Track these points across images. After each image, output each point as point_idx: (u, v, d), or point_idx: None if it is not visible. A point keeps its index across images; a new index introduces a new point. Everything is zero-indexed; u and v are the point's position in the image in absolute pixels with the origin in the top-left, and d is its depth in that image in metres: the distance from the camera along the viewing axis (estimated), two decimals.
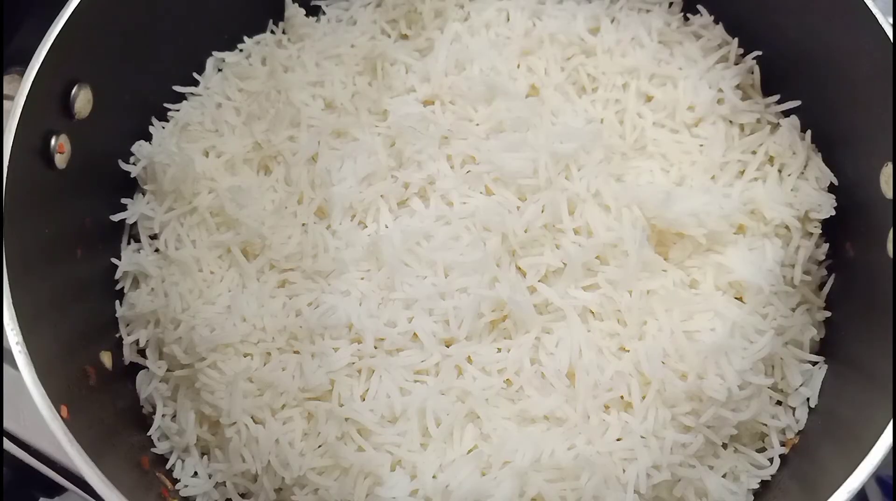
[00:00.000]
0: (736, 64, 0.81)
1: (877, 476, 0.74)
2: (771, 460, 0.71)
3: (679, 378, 0.68)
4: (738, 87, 0.80)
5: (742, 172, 0.77)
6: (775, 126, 0.79)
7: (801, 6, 0.73)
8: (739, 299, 0.73)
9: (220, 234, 0.77)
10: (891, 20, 0.66)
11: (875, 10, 0.67)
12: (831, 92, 0.74)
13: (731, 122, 0.79)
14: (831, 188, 0.75)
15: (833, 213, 0.74)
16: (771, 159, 0.78)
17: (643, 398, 0.69)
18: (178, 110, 0.83)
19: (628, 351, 0.70)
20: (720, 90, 0.79)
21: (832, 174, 0.75)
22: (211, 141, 0.81)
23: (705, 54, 0.81)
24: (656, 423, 0.68)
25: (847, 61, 0.71)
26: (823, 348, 0.75)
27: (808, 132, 0.77)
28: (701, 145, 0.77)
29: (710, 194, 0.74)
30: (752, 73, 0.81)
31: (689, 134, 0.78)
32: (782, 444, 0.72)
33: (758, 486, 0.71)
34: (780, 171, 0.77)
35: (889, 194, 0.67)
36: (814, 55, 0.74)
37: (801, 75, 0.77)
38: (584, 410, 0.69)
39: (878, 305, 0.67)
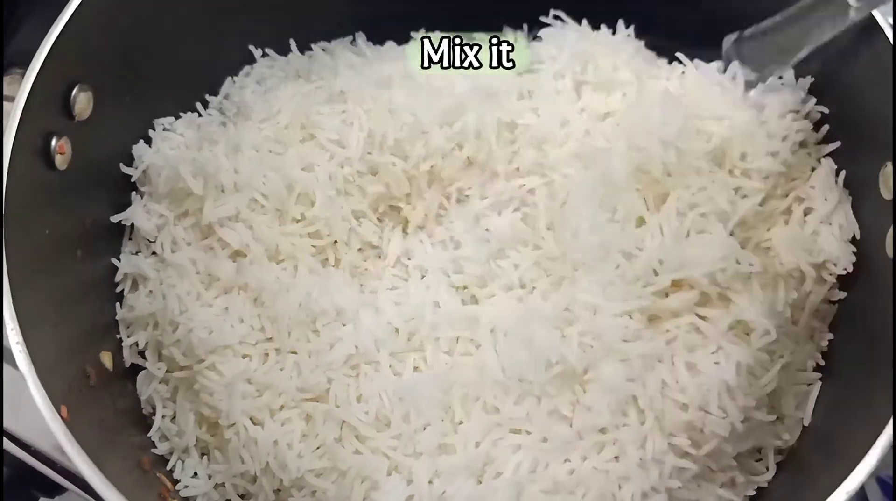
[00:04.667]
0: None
1: (877, 477, 0.74)
2: (767, 467, 0.71)
3: (679, 409, 0.67)
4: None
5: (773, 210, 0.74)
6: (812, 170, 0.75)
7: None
8: (746, 334, 0.70)
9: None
10: (891, 20, 0.66)
11: (875, 10, 0.66)
12: (831, 92, 0.74)
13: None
14: None
15: (851, 269, 0.71)
16: (800, 200, 0.74)
17: (642, 424, 0.67)
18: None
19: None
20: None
21: (857, 226, 0.71)
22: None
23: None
24: (654, 450, 0.66)
25: (847, 61, 0.71)
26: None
27: (843, 174, 0.73)
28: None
29: (728, 247, 0.69)
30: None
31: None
32: (779, 452, 0.72)
33: (754, 493, 0.71)
34: (805, 214, 0.73)
35: (887, 195, 0.67)
36: (813, 55, 0.74)
37: (800, 75, 0.77)
38: (580, 432, 0.68)
39: (878, 305, 0.67)
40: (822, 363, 0.73)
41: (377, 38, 0.88)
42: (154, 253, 0.79)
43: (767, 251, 0.72)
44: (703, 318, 0.70)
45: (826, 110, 0.75)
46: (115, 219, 0.78)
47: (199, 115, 0.85)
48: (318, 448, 0.69)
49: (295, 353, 0.73)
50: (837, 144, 0.75)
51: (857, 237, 0.72)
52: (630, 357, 0.68)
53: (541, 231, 0.73)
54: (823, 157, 0.75)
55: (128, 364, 0.76)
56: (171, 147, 0.80)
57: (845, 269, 0.71)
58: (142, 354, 0.76)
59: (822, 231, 0.72)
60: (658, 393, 0.67)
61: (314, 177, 0.77)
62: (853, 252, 0.71)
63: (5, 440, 0.79)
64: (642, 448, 0.67)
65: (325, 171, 0.77)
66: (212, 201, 0.76)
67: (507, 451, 0.68)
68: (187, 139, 0.81)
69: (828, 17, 0.68)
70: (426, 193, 0.78)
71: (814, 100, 0.76)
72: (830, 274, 0.72)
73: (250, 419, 0.70)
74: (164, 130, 0.81)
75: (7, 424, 0.78)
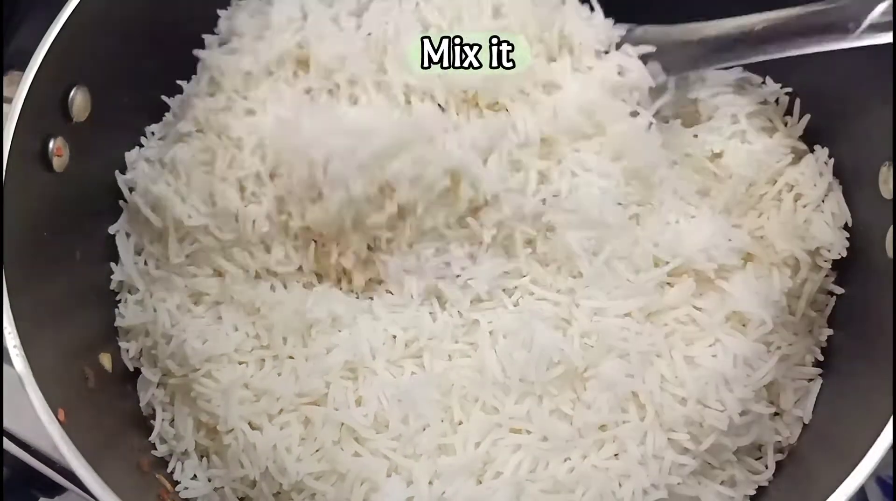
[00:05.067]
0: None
1: (877, 477, 0.74)
2: (767, 465, 0.71)
3: (678, 403, 0.67)
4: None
5: (761, 196, 0.76)
6: (801, 153, 0.77)
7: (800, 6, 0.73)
8: (743, 325, 0.71)
9: None
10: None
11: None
12: (831, 92, 0.74)
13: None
14: None
15: (845, 254, 0.72)
16: (789, 187, 0.76)
17: (642, 420, 0.68)
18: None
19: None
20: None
21: (849, 213, 0.73)
22: None
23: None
24: (654, 447, 0.67)
25: (847, 61, 0.71)
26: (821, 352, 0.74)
27: (832, 162, 0.75)
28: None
29: (717, 225, 0.72)
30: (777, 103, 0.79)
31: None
32: (780, 451, 0.72)
33: (754, 492, 0.71)
34: (795, 201, 0.75)
35: (887, 194, 0.67)
36: (813, 54, 0.74)
37: (800, 75, 0.77)
38: (580, 430, 0.68)
39: (878, 305, 0.67)
40: (821, 358, 0.73)
41: None
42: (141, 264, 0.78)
43: (761, 240, 0.73)
44: (699, 309, 0.70)
45: (791, 89, 0.78)
46: (112, 229, 0.77)
47: None
48: (317, 450, 0.69)
49: (292, 358, 0.72)
50: (806, 120, 0.76)
51: (850, 225, 0.73)
52: (630, 353, 0.68)
53: (534, 270, 0.72)
54: (816, 145, 0.76)
55: (131, 368, 0.76)
56: (153, 156, 0.78)
57: (840, 254, 0.72)
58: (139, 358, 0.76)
59: (815, 219, 0.73)
60: (657, 388, 0.67)
61: (249, 206, 0.74)
62: (847, 238, 0.72)
63: (5, 440, 0.79)
64: (642, 444, 0.67)
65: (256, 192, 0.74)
66: (174, 233, 0.75)
67: (506, 451, 0.68)
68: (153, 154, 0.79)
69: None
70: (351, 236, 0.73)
71: (760, 80, 0.79)
72: (825, 261, 0.73)
73: (248, 424, 0.70)
74: (158, 139, 0.81)
75: (7, 424, 0.78)
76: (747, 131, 0.77)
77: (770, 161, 0.76)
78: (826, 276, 0.74)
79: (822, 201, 0.74)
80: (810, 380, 0.73)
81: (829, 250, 0.72)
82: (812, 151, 0.77)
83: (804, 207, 0.74)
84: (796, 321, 0.73)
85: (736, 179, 0.75)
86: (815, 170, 0.75)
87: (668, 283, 0.72)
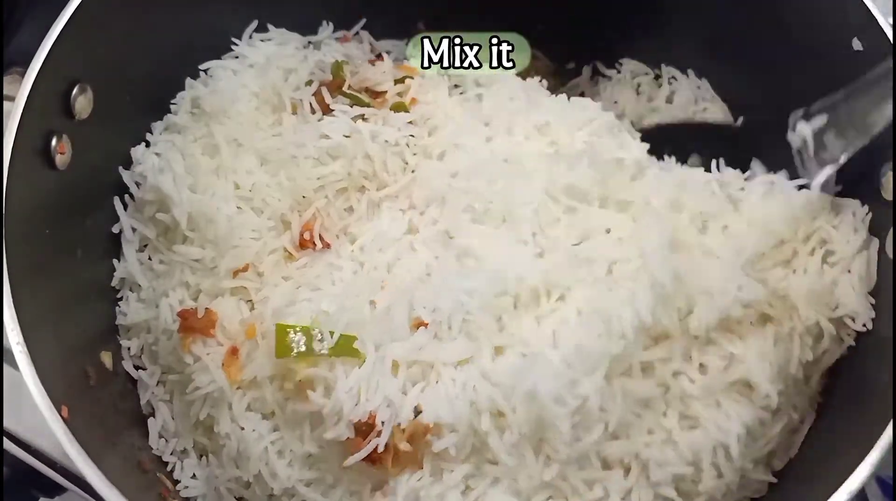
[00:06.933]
0: None
1: (877, 476, 0.74)
2: None
3: (668, 463, 0.63)
4: None
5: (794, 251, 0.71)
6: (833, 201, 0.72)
7: (801, 6, 0.73)
8: (749, 388, 0.66)
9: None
10: (891, 20, 0.67)
11: (875, 10, 0.67)
12: (831, 92, 0.74)
13: None
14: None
15: (871, 326, 0.68)
16: (822, 242, 0.71)
17: (625, 476, 0.64)
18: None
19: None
20: None
21: (876, 278, 0.68)
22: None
23: None
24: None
25: (847, 61, 0.71)
26: None
27: (868, 218, 0.70)
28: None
29: (729, 270, 0.67)
30: None
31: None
32: None
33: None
34: (824, 259, 0.70)
35: (887, 196, 0.67)
36: (814, 55, 0.74)
37: (801, 75, 0.77)
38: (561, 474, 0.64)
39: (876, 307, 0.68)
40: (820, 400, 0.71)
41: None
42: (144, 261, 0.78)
43: (784, 300, 0.68)
44: (701, 367, 0.66)
45: None
46: (116, 228, 0.77)
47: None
48: (308, 456, 0.68)
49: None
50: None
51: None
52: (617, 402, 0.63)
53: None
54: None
55: (132, 366, 0.76)
56: (162, 150, 0.78)
57: (865, 326, 0.68)
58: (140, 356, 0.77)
59: (841, 281, 0.68)
60: (642, 446, 0.64)
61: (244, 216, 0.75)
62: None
63: (5, 440, 0.79)
64: (626, 498, 0.64)
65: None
66: (183, 226, 0.75)
67: (493, 491, 0.65)
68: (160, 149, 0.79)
69: None
70: None
71: None
72: (849, 334, 0.69)
73: (242, 426, 0.69)
74: (165, 129, 0.81)
75: (7, 424, 0.78)
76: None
77: (806, 218, 0.71)
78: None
79: (853, 260, 0.69)
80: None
81: (853, 320, 0.68)
82: None
83: (832, 266, 0.69)
84: (808, 389, 0.69)
85: (764, 232, 0.70)
86: (850, 224, 0.70)
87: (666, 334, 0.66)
